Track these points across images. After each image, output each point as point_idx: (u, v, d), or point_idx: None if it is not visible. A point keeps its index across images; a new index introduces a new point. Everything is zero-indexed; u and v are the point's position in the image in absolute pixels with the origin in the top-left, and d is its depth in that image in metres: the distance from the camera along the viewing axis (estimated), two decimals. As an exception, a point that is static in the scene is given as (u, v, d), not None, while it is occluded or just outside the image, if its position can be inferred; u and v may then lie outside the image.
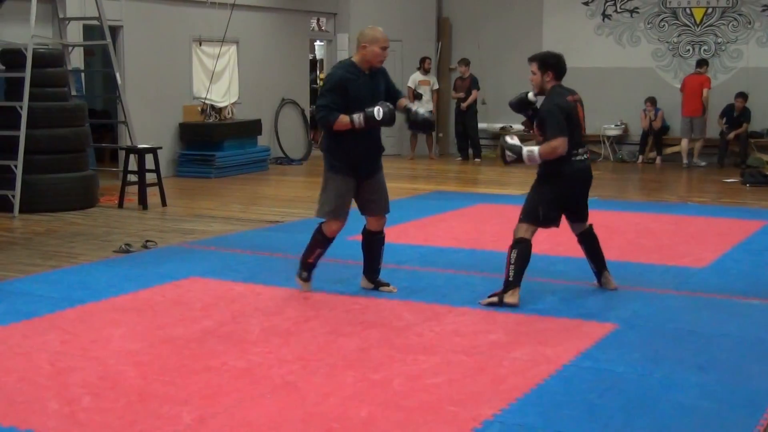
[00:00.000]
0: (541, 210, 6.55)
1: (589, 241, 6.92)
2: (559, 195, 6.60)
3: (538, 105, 6.67)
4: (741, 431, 4.30)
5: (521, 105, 6.92)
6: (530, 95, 6.83)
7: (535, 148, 6.44)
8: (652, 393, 4.75)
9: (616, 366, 5.17)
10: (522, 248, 6.47)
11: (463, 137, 17.48)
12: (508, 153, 6.49)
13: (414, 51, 17.51)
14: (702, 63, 16.08)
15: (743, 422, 4.38)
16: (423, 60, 17.28)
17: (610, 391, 4.77)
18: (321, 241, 6.73)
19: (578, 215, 6.88)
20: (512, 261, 6.45)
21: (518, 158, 6.49)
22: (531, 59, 6.75)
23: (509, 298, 6.42)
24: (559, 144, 6.38)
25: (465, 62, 17.22)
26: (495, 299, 6.45)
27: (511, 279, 6.43)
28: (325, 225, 6.69)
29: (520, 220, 6.57)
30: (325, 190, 6.67)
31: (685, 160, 16.23)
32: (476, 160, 17.24)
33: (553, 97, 6.52)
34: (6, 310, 6.33)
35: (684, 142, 16.20)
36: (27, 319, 6.10)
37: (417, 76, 17.18)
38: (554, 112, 6.43)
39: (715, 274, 7.60)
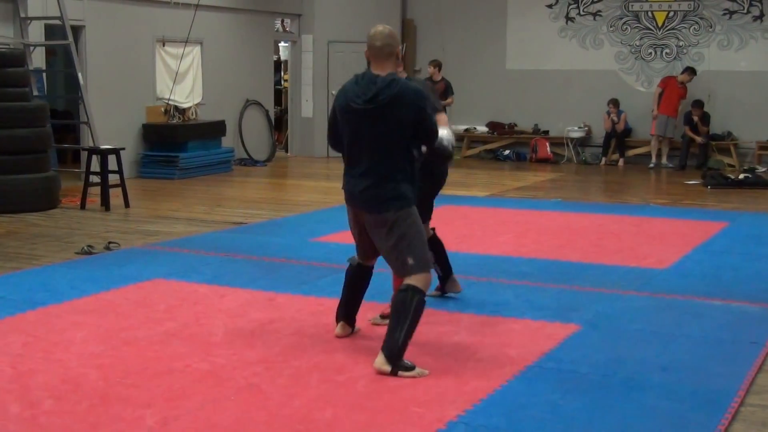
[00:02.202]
0: (426, 206, 6.11)
1: (436, 244, 6.50)
2: (435, 188, 6.36)
3: None
4: (703, 431, 4.34)
5: None
6: None
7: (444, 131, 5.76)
8: (615, 393, 4.78)
9: (580, 367, 5.20)
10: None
11: None
12: (448, 146, 5.71)
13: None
14: (692, 72, 16.22)
15: (705, 422, 4.42)
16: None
17: (574, 391, 4.80)
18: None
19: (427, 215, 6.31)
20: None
21: (450, 145, 5.77)
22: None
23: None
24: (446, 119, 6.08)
25: (436, 64, 15.46)
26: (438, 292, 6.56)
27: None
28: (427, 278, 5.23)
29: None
30: (420, 232, 5.21)
31: (653, 160, 16.39)
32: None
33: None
34: (-34, 312, 6.26)
35: (654, 141, 16.37)
36: (-13, 321, 6.03)
37: None
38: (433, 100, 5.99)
39: (677, 276, 7.67)
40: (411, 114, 5.04)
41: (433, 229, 6.55)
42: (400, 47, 5.26)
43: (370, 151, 5.11)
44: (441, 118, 5.81)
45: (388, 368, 4.97)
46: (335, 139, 5.38)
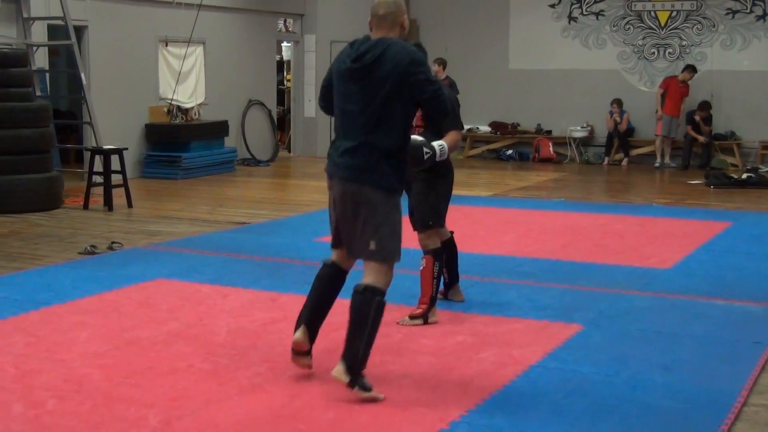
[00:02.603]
0: (443, 208, 6.21)
1: (451, 249, 6.48)
2: (450, 189, 6.33)
3: None
4: (706, 431, 4.34)
5: None
6: None
7: (445, 143, 5.61)
8: (618, 393, 4.78)
9: (582, 367, 5.20)
10: (443, 257, 6.13)
11: None
12: (426, 150, 5.28)
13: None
14: (693, 69, 16.18)
15: (708, 422, 4.41)
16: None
17: (577, 391, 4.79)
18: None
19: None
20: (436, 275, 6.02)
21: (433, 155, 5.39)
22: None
23: (434, 317, 6.06)
24: (459, 137, 5.99)
25: (440, 62, 14.55)
26: (419, 321, 6.01)
27: (434, 295, 5.85)
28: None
29: (429, 226, 6.02)
30: (394, 224, 4.77)
31: (658, 160, 16.37)
32: None
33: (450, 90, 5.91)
34: (-31, 312, 6.27)
35: (659, 141, 16.33)
36: (-10, 321, 6.04)
37: None
38: (454, 105, 5.89)
39: (680, 275, 7.66)
40: (398, 74, 4.57)
41: (452, 232, 6.52)
42: (406, 16, 4.84)
43: (360, 116, 4.64)
44: (451, 136, 5.74)
45: (346, 379, 4.59)
46: (325, 101, 4.99)
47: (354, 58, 4.69)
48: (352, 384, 4.60)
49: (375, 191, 4.62)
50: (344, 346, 4.67)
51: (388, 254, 4.67)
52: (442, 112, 4.79)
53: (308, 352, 4.96)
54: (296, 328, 4.96)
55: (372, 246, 4.63)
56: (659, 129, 16.40)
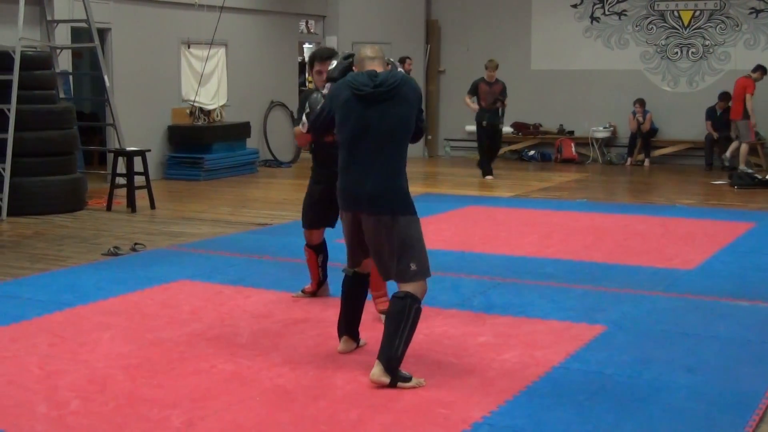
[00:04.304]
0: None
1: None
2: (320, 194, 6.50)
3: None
4: (730, 433, 4.32)
5: None
6: None
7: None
8: (642, 395, 4.76)
9: (606, 368, 5.17)
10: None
11: (486, 153, 14.78)
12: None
13: (402, 53, 17.51)
14: (756, 68, 15.69)
15: (732, 424, 4.39)
16: (403, 60, 15.04)
17: (600, 393, 4.78)
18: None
19: None
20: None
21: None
22: (330, 57, 6.03)
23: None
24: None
25: (494, 65, 14.41)
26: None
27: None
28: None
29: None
30: (422, 239, 5.08)
31: (726, 163, 15.81)
32: (489, 177, 14.60)
33: None
34: (-6, 313, 6.31)
35: (733, 144, 15.79)
36: (15, 322, 6.08)
37: None
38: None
39: (704, 276, 7.62)
40: (414, 97, 5.01)
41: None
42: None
43: (377, 142, 4.92)
44: None
45: (386, 380, 4.80)
46: (323, 125, 5.24)
47: (377, 84, 4.94)
48: (393, 383, 4.82)
49: (406, 217, 4.94)
50: (381, 348, 4.88)
51: (426, 270, 5.01)
52: (420, 134, 5.19)
53: (357, 346, 5.49)
54: (339, 337, 5.46)
55: (413, 267, 4.94)
56: (753, 135, 15.60)
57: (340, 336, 5.45)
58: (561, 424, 4.35)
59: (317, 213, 6.50)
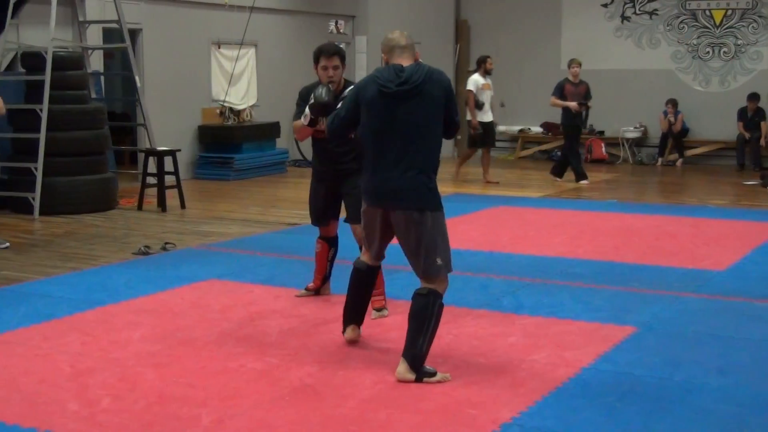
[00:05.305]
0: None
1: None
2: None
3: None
4: (761, 435, 4.28)
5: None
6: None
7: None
8: (672, 396, 4.73)
9: (636, 369, 5.14)
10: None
11: (565, 156, 14.39)
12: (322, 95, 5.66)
13: (432, 53, 17.46)
14: None
15: (764, 426, 4.35)
16: (484, 60, 14.04)
17: (629, 394, 4.75)
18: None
19: None
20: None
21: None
22: (337, 53, 6.21)
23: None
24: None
25: (578, 63, 14.13)
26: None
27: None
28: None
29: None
30: (447, 235, 5.12)
31: None
32: (583, 182, 13.92)
33: None
34: (26, 311, 6.36)
35: None
36: (47, 320, 6.13)
37: (478, 79, 13.80)
38: None
39: (735, 278, 7.56)
40: (441, 93, 4.99)
41: None
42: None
43: (404, 139, 4.94)
44: None
45: (412, 376, 4.87)
46: (344, 126, 5.22)
47: (402, 81, 4.96)
48: (418, 379, 4.87)
49: (434, 213, 4.96)
50: (405, 345, 4.94)
51: (449, 265, 5.05)
52: (454, 126, 5.16)
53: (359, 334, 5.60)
54: (344, 327, 5.55)
55: (439, 262, 4.98)
56: None
57: (346, 325, 5.54)
58: (590, 426, 4.33)
59: (323, 209, 6.64)
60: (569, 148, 14.22)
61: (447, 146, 17.80)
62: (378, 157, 5.03)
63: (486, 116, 13.78)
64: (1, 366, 5.17)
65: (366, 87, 5.09)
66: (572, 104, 13.79)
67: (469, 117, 13.70)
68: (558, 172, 14.26)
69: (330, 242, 6.78)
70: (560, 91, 14.03)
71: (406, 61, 5.08)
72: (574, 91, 14.01)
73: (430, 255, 4.96)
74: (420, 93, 4.94)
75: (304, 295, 6.81)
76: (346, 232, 6.76)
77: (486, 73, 13.82)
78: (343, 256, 6.91)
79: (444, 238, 5.01)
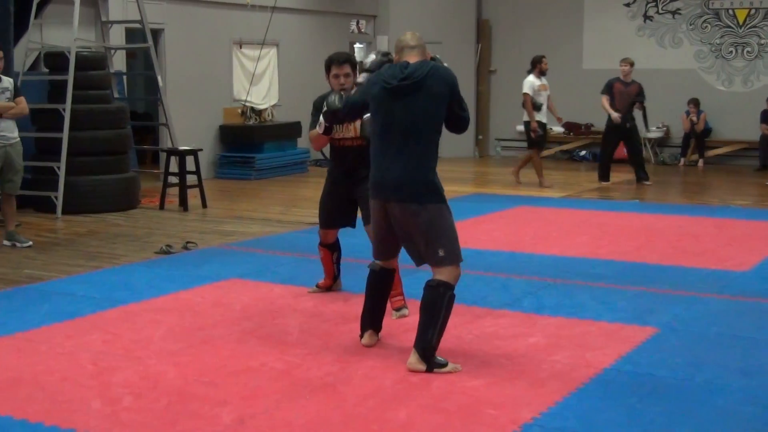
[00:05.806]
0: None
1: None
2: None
3: None
4: (784, 437, 4.25)
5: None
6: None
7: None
8: (694, 398, 4.71)
9: (657, 370, 5.12)
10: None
11: (611, 158, 14.13)
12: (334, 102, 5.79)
13: (453, 53, 17.45)
14: None
15: (787, 428, 4.32)
16: (540, 60, 13.52)
17: (651, 395, 4.73)
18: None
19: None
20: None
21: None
22: (348, 61, 6.41)
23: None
24: None
25: (630, 62, 13.81)
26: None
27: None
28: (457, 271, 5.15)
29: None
30: (452, 226, 5.16)
31: None
32: (646, 183, 13.82)
33: None
34: (49, 310, 6.40)
35: None
36: (69, 319, 6.17)
37: (534, 81, 13.34)
38: None
39: (758, 278, 7.51)
40: (444, 89, 5.05)
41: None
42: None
43: (404, 133, 5.04)
44: None
45: (423, 367, 4.99)
46: (355, 107, 5.48)
47: (403, 77, 5.07)
48: (429, 369, 4.98)
49: (434, 205, 5.04)
50: (417, 336, 5.06)
51: (455, 256, 5.07)
52: (463, 122, 5.22)
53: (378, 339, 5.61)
54: (362, 332, 5.57)
55: (441, 253, 5.04)
56: None
57: (363, 330, 5.57)
58: (612, 426, 4.31)
59: (335, 213, 6.64)
60: (603, 149, 14.06)
61: (468, 146, 17.79)
62: (381, 150, 5.16)
63: (544, 117, 13.43)
64: (24, 364, 5.20)
65: (374, 84, 5.23)
66: (614, 115, 13.50)
67: (526, 118, 13.28)
68: (603, 174, 14.01)
69: (330, 248, 6.85)
70: (609, 90, 13.70)
71: (413, 59, 5.18)
72: (624, 90, 13.65)
73: (431, 246, 5.04)
74: (420, 88, 5.03)
75: (315, 291, 6.91)
76: (350, 233, 6.78)
77: (541, 73, 13.35)
78: (357, 255, 6.92)
79: (446, 229, 5.04)
